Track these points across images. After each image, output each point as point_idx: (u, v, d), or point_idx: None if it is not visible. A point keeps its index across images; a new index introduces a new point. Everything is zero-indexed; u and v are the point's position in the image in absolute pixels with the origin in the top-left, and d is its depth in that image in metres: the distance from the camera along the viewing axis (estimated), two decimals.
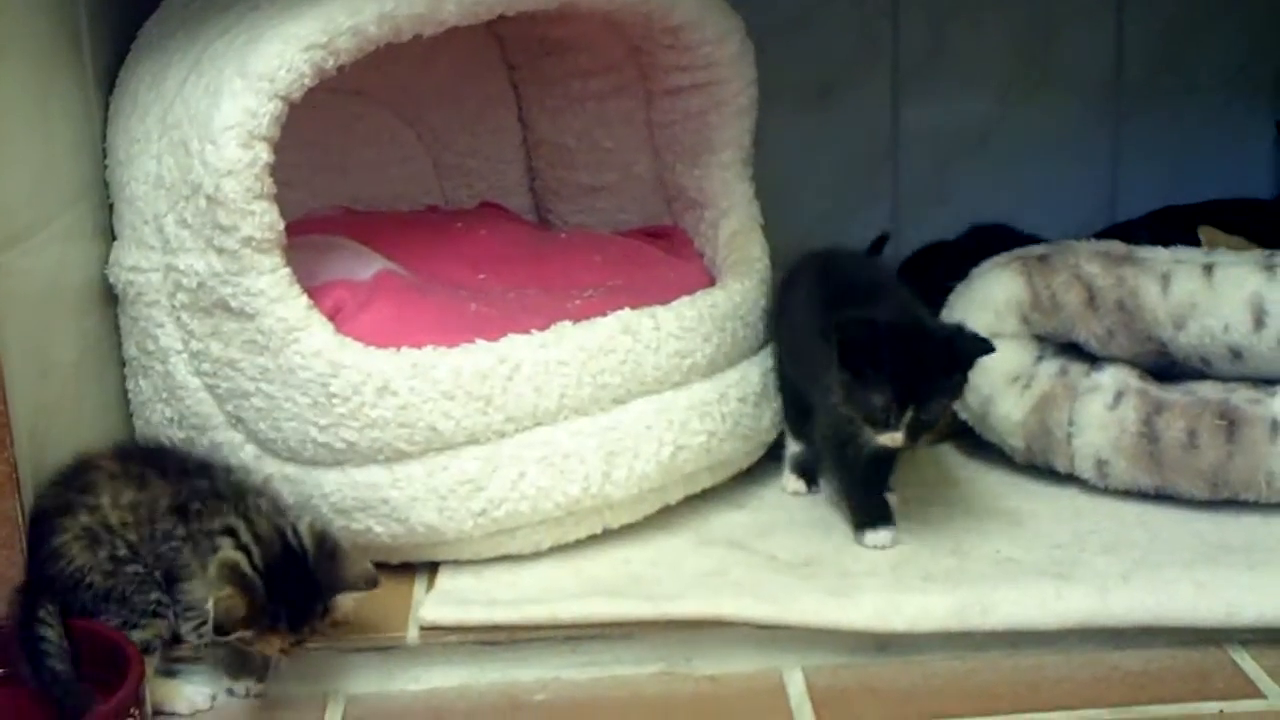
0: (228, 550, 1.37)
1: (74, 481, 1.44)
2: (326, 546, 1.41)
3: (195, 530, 1.41)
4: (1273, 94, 2.30)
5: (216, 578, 1.36)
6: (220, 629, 1.33)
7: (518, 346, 1.53)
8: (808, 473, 1.72)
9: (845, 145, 2.27)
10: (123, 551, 1.41)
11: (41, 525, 1.42)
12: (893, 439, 1.51)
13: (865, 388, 1.49)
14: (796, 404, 1.69)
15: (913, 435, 1.51)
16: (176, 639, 1.43)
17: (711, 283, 1.77)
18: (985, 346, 1.53)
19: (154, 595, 1.41)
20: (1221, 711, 1.40)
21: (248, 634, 1.35)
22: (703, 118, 1.85)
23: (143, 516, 1.41)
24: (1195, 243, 1.84)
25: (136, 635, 1.39)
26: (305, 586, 1.38)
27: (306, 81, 1.49)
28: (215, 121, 1.47)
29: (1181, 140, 2.29)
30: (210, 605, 1.33)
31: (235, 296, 1.50)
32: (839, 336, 1.50)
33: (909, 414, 1.49)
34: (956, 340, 1.53)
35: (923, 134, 2.27)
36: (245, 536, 1.39)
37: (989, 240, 1.92)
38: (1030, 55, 2.27)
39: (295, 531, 1.41)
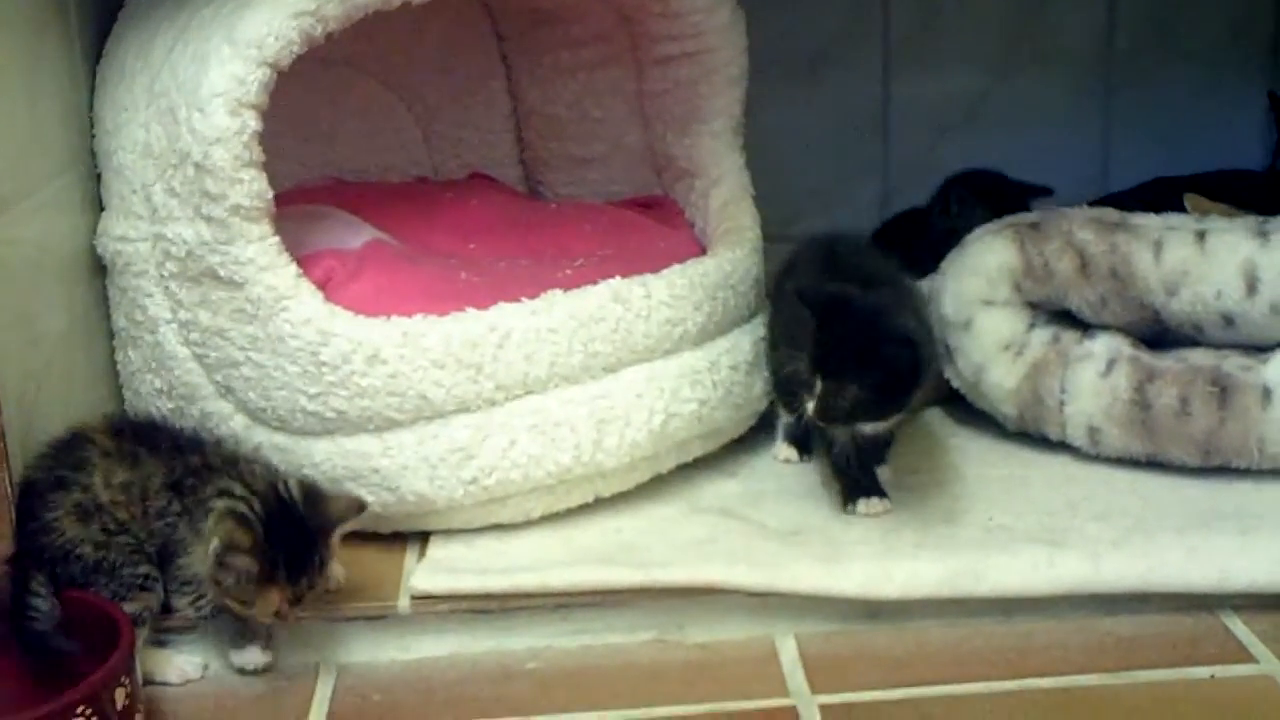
0: (227, 501, 1.38)
1: (66, 457, 1.44)
2: (312, 495, 1.41)
3: (190, 503, 1.40)
4: (1264, 64, 2.31)
5: (216, 524, 1.36)
6: (221, 561, 1.34)
7: (508, 315, 1.52)
8: (799, 441, 1.71)
9: (836, 118, 2.27)
10: (112, 525, 1.40)
11: (33, 498, 1.42)
12: (809, 408, 1.50)
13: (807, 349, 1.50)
14: (787, 381, 1.68)
15: (823, 414, 1.49)
16: (167, 610, 1.43)
17: (702, 252, 1.76)
18: (913, 377, 1.49)
19: (143, 569, 1.41)
20: (1213, 676, 1.40)
21: (251, 569, 1.34)
22: (693, 87, 1.85)
23: (134, 496, 1.41)
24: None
25: (125, 608, 1.38)
26: (300, 535, 1.38)
27: (295, 49, 1.48)
28: (203, 89, 1.46)
29: (1173, 111, 2.29)
30: (214, 544, 1.34)
31: (224, 265, 1.49)
32: (802, 298, 1.50)
33: (819, 386, 1.48)
34: (895, 347, 1.48)
35: (914, 106, 2.28)
36: (241, 491, 1.39)
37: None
38: (1021, 27, 2.28)
39: (287, 486, 1.41)
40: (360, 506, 1.42)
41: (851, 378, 1.47)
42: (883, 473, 1.63)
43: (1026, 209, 1.90)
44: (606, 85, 1.93)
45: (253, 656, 1.44)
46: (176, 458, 1.43)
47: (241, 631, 1.43)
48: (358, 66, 1.95)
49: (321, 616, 1.46)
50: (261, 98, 1.47)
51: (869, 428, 1.54)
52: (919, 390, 1.52)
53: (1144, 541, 1.51)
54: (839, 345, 1.48)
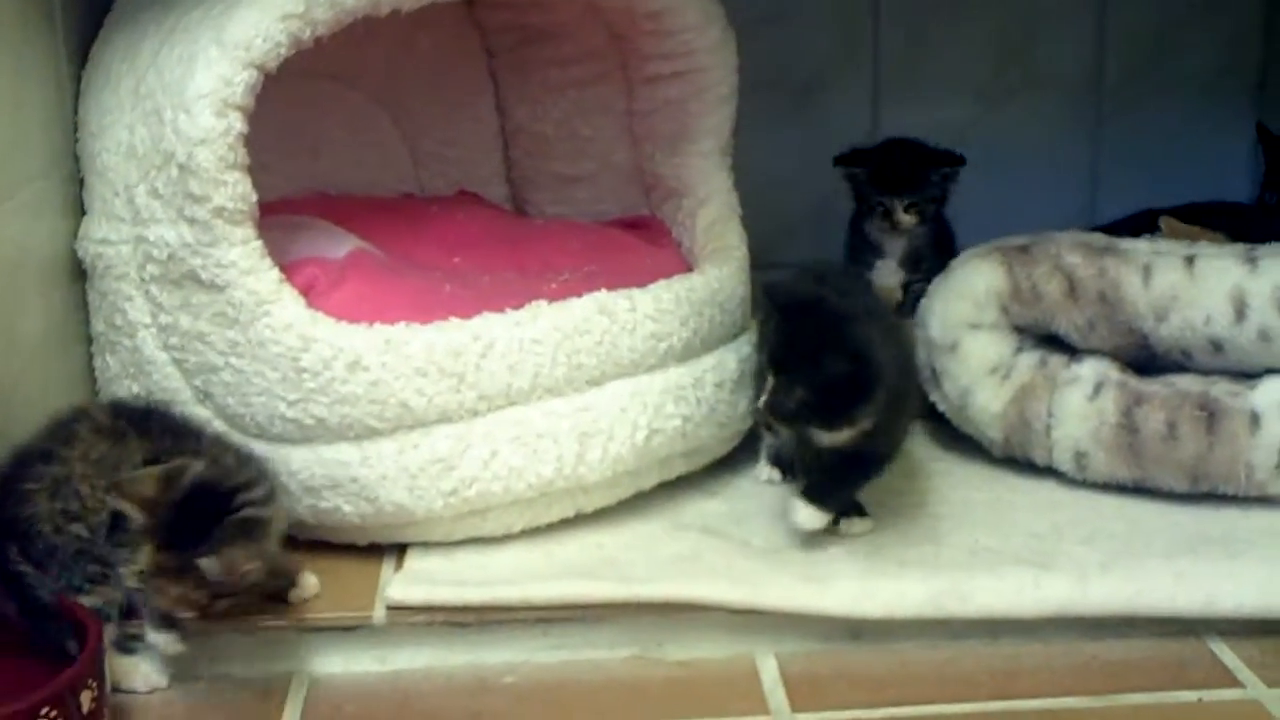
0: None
1: (60, 430, 1.42)
2: (254, 518, 1.35)
3: None
4: (1253, 96, 2.31)
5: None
6: (118, 488, 1.31)
7: (492, 324, 1.50)
8: (783, 463, 1.69)
9: (825, 145, 2.25)
10: (73, 505, 1.38)
11: (22, 469, 1.41)
12: (760, 402, 1.48)
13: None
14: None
15: (771, 409, 1.47)
16: (133, 612, 1.40)
17: (689, 270, 1.75)
18: (856, 390, 1.46)
19: (93, 567, 1.38)
20: (1200, 700, 1.38)
21: (138, 517, 1.31)
22: (683, 106, 1.84)
23: (105, 468, 1.38)
24: None
25: (85, 600, 1.36)
26: (214, 514, 1.32)
27: (283, 51, 1.47)
28: (189, 89, 1.45)
29: (1161, 143, 2.29)
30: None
31: (206, 268, 1.47)
32: (767, 293, 1.50)
33: (770, 381, 1.47)
34: (844, 358, 1.44)
35: (903, 133, 2.26)
36: (199, 457, 1.36)
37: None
38: (1010, 57, 2.28)
39: (248, 487, 1.36)
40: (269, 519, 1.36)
41: (801, 378, 1.46)
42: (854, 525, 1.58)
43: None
44: (595, 104, 1.92)
45: (165, 640, 1.37)
46: (165, 438, 1.40)
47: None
48: (346, 81, 1.94)
49: (295, 625, 1.44)
50: (248, 99, 1.45)
51: (825, 438, 1.51)
52: (869, 406, 1.47)
53: (1131, 565, 1.49)
54: (795, 344, 1.47)
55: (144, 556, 1.32)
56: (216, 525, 1.32)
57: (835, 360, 1.45)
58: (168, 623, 1.37)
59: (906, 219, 1.97)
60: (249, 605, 1.40)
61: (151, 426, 1.42)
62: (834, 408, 1.48)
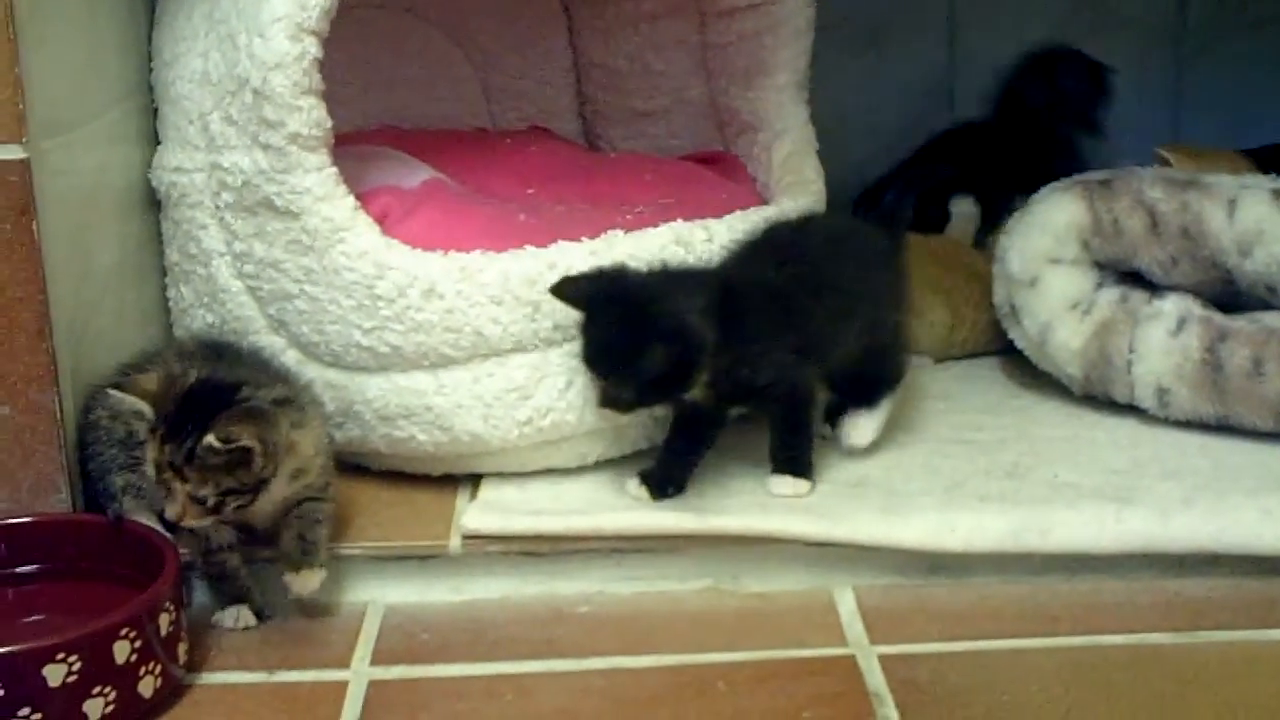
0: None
1: (139, 359, 1.44)
2: (257, 407, 1.32)
3: None
4: None
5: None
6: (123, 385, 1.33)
7: (567, 253, 1.49)
8: (832, 415, 1.63)
9: (901, 85, 2.24)
10: (120, 433, 1.40)
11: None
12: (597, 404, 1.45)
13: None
14: None
15: (613, 405, 1.43)
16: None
17: (764, 204, 1.72)
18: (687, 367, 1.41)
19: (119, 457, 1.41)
20: None
21: (135, 406, 1.32)
22: (758, 39, 1.81)
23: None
24: None
25: (115, 480, 1.41)
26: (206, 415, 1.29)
27: None
28: (264, 14, 1.43)
29: (1246, 82, 2.25)
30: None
31: (280, 195, 1.46)
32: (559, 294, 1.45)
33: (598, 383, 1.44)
34: (656, 332, 1.39)
35: (980, 74, 2.23)
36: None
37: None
38: None
39: (254, 386, 1.34)
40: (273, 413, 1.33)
41: (623, 377, 1.41)
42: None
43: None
44: (669, 37, 1.90)
45: (236, 615, 1.40)
46: (219, 366, 1.39)
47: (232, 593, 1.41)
48: (419, 14, 1.93)
49: (370, 554, 1.44)
50: (322, 24, 1.44)
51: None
52: (701, 371, 1.42)
53: (1215, 502, 1.47)
54: (608, 344, 1.42)
55: (152, 452, 1.30)
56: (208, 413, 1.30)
57: (652, 352, 1.39)
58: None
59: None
60: (265, 527, 1.40)
61: (225, 358, 1.41)
62: (668, 386, 1.43)
